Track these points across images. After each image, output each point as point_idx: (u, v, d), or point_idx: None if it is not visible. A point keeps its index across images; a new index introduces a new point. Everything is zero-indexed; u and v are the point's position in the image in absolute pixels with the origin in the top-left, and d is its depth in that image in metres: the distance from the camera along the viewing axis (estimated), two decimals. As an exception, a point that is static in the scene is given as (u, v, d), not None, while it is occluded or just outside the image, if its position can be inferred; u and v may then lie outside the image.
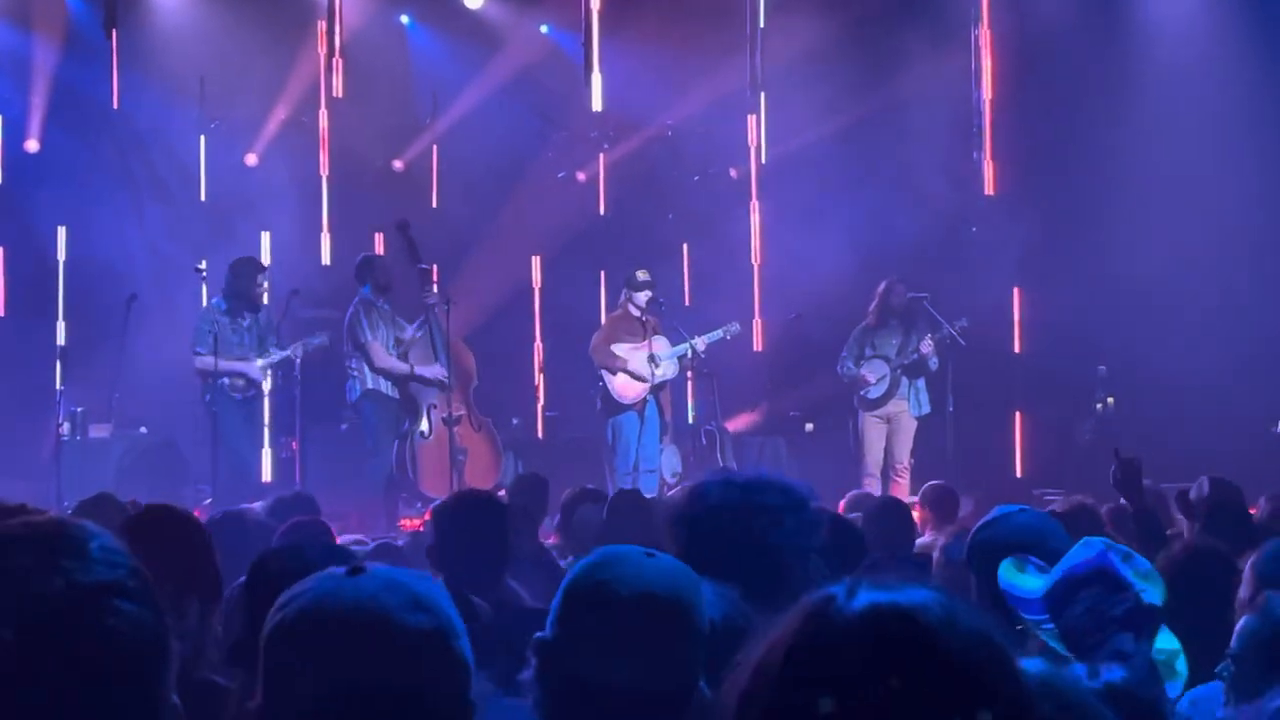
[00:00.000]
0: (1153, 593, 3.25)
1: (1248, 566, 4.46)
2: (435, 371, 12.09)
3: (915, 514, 9.33)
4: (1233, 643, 3.60)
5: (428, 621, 1.99)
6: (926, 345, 12.76)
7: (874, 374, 12.91)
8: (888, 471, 12.81)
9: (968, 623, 1.50)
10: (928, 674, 1.46)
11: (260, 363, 12.12)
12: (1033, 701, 1.51)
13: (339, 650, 1.97)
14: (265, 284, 12.26)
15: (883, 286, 13.02)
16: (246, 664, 2.86)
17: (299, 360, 12.22)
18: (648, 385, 12.61)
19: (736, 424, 14.60)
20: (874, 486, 12.10)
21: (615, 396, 12.64)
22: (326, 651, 1.97)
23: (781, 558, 3.35)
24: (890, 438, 12.92)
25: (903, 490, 12.36)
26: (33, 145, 14.55)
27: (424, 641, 1.99)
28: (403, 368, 12.16)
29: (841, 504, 8.65)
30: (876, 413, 12.92)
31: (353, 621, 1.98)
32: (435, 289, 12.31)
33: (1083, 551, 3.39)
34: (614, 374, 12.64)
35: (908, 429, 12.92)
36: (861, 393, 12.92)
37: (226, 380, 11.95)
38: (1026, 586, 3.44)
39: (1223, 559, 4.82)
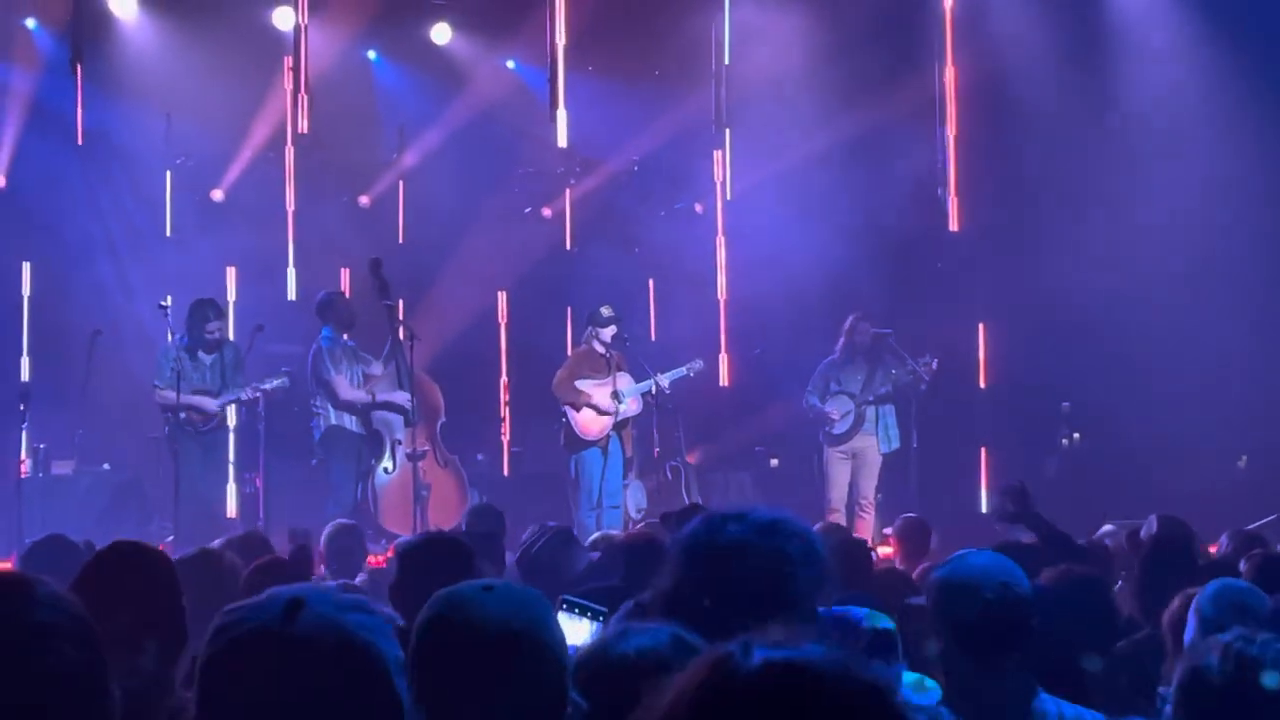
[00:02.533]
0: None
1: (1191, 607, 4.44)
2: (400, 396, 12.08)
3: (886, 547, 9.37)
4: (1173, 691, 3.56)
5: (358, 660, 2.04)
6: (890, 386, 12.75)
7: (838, 409, 12.93)
8: (852, 506, 12.82)
9: (858, 675, 1.59)
10: None
11: (216, 402, 12.09)
12: None
13: (265, 685, 2.02)
14: (219, 327, 12.19)
15: (849, 322, 13.05)
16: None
17: (260, 397, 12.19)
18: (611, 420, 12.61)
19: (701, 459, 14.60)
20: (839, 521, 12.10)
21: (578, 433, 12.63)
22: (253, 685, 2.02)
23: (791, 606, 3.30)
24: (855, 473, 12.93)
25: (868, 526, 12.38)
26: (-2, 181, 14.51)
27: (352, 680, 2.03)
28: (366, 398, 12.17)
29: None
30: (841, 448, 12.94)
31: (286, 657, 2.02)
32: (401, 325, 12.30)
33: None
34: (577, 410, 12.64)
35: (873, 464, 12.94)
36: (826, 428, 12.94)
37: (184, 415, 11.92)
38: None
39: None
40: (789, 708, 1.54)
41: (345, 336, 12.36)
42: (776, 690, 1.56)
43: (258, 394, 12.15)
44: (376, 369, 12.39)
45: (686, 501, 13.10)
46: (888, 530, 9.83)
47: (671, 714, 1.58)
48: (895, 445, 12.97)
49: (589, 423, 12.62)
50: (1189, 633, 4.32)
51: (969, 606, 3.85)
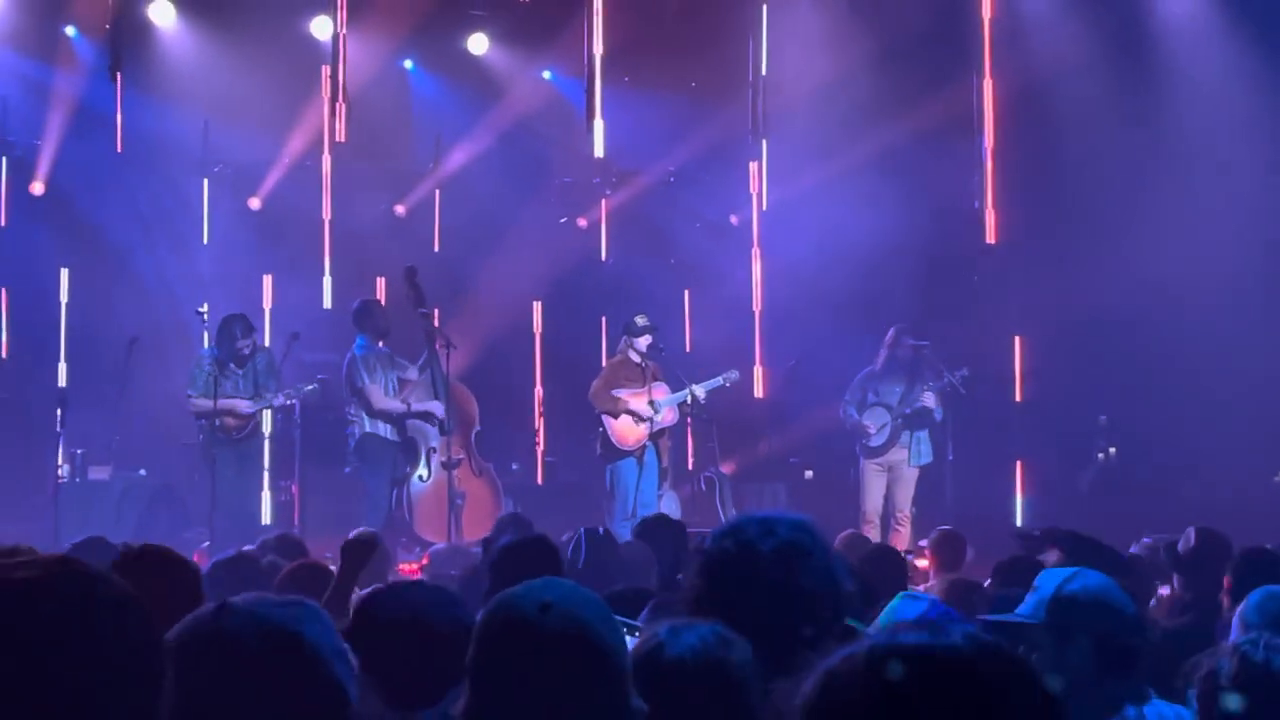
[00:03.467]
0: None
1: (1235, 615, 4.46)
2: (433, 406, 12.11)
3: (922, 560, 9.32)
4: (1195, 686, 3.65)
5: (281, 648, 2.32)
6: (929, 398, 12.75)
7: (875, 422, 12.90)
8: (888, 520, 12.79)
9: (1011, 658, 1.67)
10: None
11: (251, 404, 12.17)
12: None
13: (196, 676, 2.31)
14: (249, 344, 12.24)
15: (891, 335, 13.01)
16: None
17: (296, 404, 12.25)
18: (648, 430, 12.60)
19: (736, 470, 14.58)
20: (873, 534, 12.06)
21: (615, 442, 12.62)
22: (187, 677, 2.27)
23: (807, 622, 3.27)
24: (891, 486, 12.90)
25: (903, 539, 12.33)
26: (38, 188, 14.58)
27: (277, 665, 2.31)
28: (400, 407, 12.20)
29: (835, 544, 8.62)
30: (877, 460, 12.92)
31: (209, 652, 2.34)
32: (437, 333, 12.33)
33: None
34: (615, 417, 12.62)
35: (908, 478, 12.90)
36: (863, 440, 12.92)
37: (219, 421, 11.98)
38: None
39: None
40: (963, 691, 1.58)
41: (380, 344, 12.39)
42: (943, 675, 1.59)
43: (292, 401, 12.21)
44: (412, 374, 12.42)
45: (720, 512, 13.11)
46: (923, 543, 9.78)
47: (828, 706, 1.61)
48: (926, 460, 12.93)
49: (625, 431, 12.61)
50: (1233, 639, 4.32)
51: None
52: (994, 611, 4.55)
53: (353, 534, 6.00)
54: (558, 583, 2.83)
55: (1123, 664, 3.82)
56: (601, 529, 6.66)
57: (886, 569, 6.73)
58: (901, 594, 3.96)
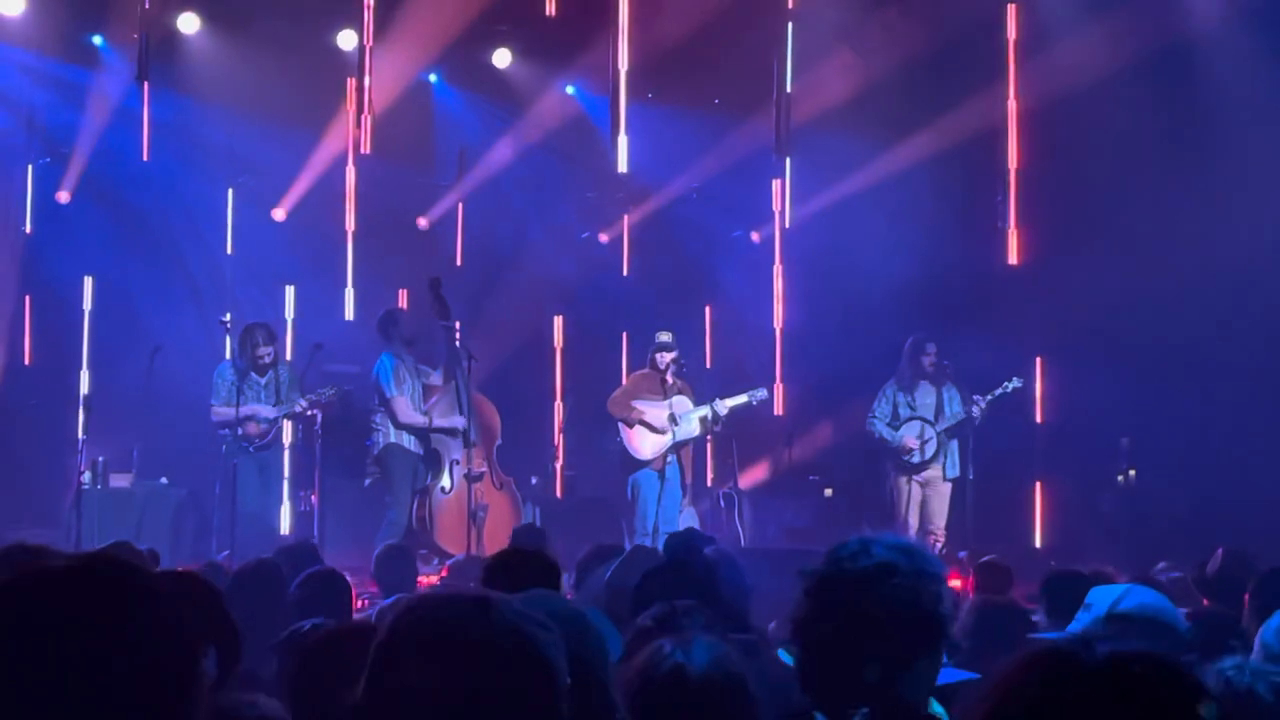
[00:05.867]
0: None
1: (1257, 637, 4.44)
2: (456, 421, 12.14)
3: (954, 581, 9.24)
4: None
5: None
6: (976, 411, 12.68)
7: (916, 438, 12.84)
8: (924, 537, 12.67)
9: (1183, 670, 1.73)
10: None
11: (273, 410, 12.23)
12: None
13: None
14: (270, 352, 12.31)
15: (910, 343, 12.98)
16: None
17: (318, 415, 12.30)
18: (664, 441, 12.59)
19: (754, 487, 14.58)
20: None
21: (631, 451, 12.63)
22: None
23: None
24: (928, 501, 12.82)
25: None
26: (64, 196, 14.64)
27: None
28: (424, 421, 12.23)
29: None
30: (919, 476, 12.86)
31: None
32: (460, 345, 12.36)
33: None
34: (630, 426, 12.63)
35: (944, 492, 12.85)
36: (905, 457, 12.85)
37: (240, 431, 12.04)
38: None
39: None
40: (1138, 698, 1.62)
41: (405, 352, 12.43)
42: (1122, 682, 1.64)
43: (313, 410, 12.25)
44: (437, 379, 12.46)
45: (739, 529, 13.10)
46: (962, 554, 9.70)
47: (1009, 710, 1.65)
48: (956, 473, 12.90)
49: (641, 442, 12.61)
50: (1253, 662, 4.31)
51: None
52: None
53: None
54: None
55: None
56: (649, 542, 6.56)
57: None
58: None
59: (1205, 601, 6.82)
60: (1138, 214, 14.05)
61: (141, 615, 1.90)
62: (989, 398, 12.79)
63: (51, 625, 1.85)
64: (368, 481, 13.33)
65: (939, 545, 12.46)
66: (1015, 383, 12.88)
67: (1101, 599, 3.92)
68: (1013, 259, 13.64)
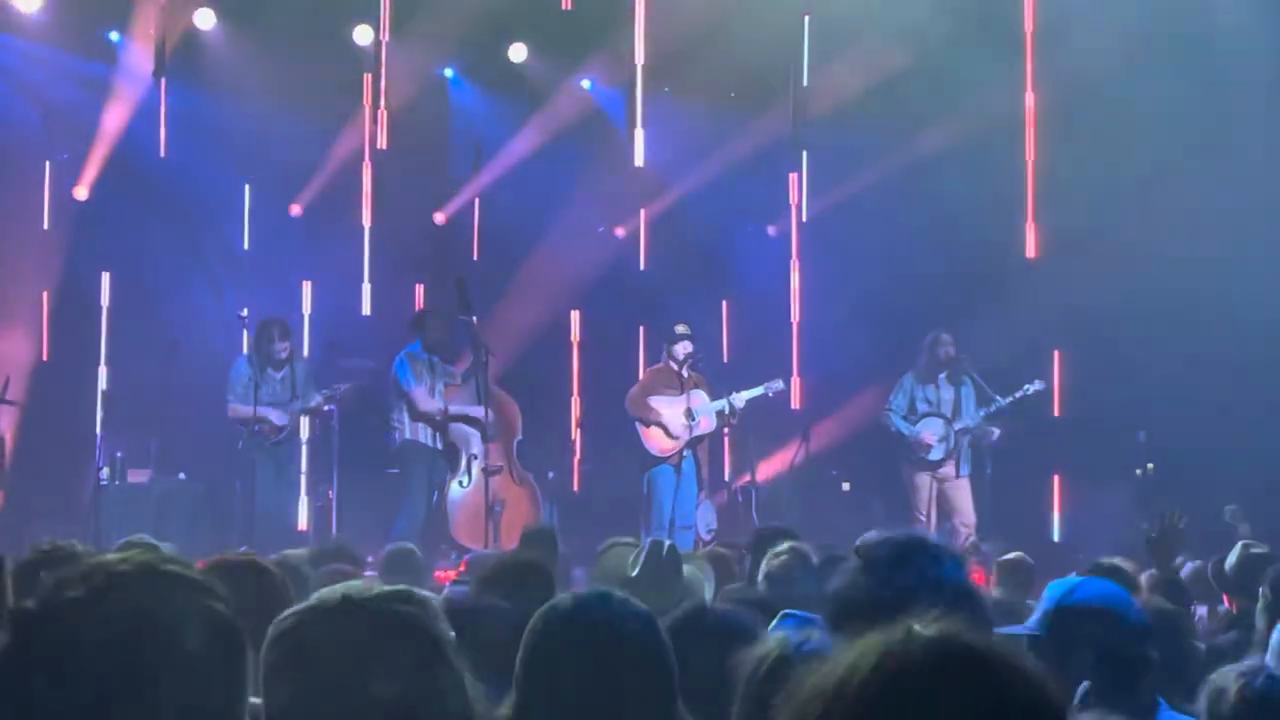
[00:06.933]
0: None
1: (1273, 638, 4.41)
2: (475, 410, 12.14)
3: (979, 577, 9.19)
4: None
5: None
6: (994, 434, 12.69)
7: (934, 434, 12.82)
8: (946, 528, 12.62)
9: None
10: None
11: (284, 411, 12.25)
12: None
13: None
14: (286, 347, 12.34)
15: (930, 337, 12.96)
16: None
17: (334, 410, 12.32)
18: (679, 441, 12.60)
19: (771, 480, 14.55)
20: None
21: (646, 447, 12.64)
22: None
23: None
24: (948, 495, 12.82)
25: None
26: (81, 193, 14.66)
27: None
28: (442, 408, 12.26)
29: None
30: (937, 473, 12.86)
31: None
32: (480, 341, 12.37)
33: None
34: (647, 426, 12.64)
35: (963, 486, 12.85)
36: (921, 454, 12.84)
37: (257, 426, 12.07)
38: None
39: None
40: (962, 684, 1.60)
41: (429, 354, 12.46)
42: (948, 667, 1.62)
43: (329, 406, 12.27)
44: (458, 380, 12.47)
45: (756, 522, 13.07)
46: (985, 547, 9.68)
47: (842, 694, 1.62)
48: (969, 470, 12.89)
49: (657, 440, 12.62)
50: (1268, 662, 4.28)
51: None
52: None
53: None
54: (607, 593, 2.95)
55: (1129, 674, 3.75)
56: (667, 543, 6.54)
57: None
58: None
59: (1224, 596, 6.81)
60: (1157, 207, 13.97)
61: (204, 610, 2.07)
62: (1009, 400, 12.75)
63: (139, 628, 2.02)
64: (395, 470, 13.29)
65: (969, 539, 12.41)
66: (1036, 385, 12.84)
67: (1053, 592, 3.90)
68: (1031, 252, 13.61)
